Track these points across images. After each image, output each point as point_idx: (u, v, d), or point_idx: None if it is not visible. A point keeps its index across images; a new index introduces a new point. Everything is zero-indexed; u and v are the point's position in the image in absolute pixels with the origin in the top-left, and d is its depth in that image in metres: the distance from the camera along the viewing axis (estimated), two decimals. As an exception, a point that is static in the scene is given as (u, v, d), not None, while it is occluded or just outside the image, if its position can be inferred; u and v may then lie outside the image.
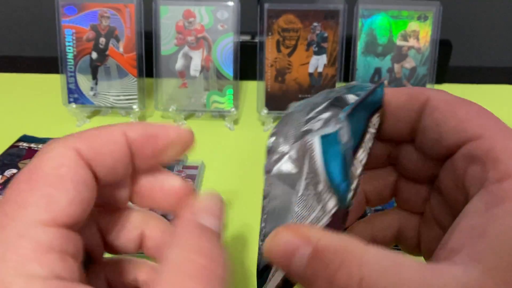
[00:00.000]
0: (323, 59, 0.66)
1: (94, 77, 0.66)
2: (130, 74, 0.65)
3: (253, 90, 0.73)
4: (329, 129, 0.22)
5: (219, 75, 0.66)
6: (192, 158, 0.59)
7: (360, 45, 0.65)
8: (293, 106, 0.26)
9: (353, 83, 0.26)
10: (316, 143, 0.21)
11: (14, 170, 0.55)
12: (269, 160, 0.23)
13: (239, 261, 0.44)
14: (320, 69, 0.66)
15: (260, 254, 0.23)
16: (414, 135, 0.26)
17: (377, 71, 0.65)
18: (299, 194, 0.22)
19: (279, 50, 0.65)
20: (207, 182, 0.56)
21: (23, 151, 0.59)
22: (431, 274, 0.18)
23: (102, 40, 0.65)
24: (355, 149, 0.22)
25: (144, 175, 0.24)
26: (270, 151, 0.23)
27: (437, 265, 0.19)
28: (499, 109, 0.79)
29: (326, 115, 0.23)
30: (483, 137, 0.22)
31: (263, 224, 0.23)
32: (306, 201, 0.21)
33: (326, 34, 0.65)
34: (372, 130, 0.24)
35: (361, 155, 0.22)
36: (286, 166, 0.22)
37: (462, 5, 0.82)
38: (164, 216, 0.26)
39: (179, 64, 0.66)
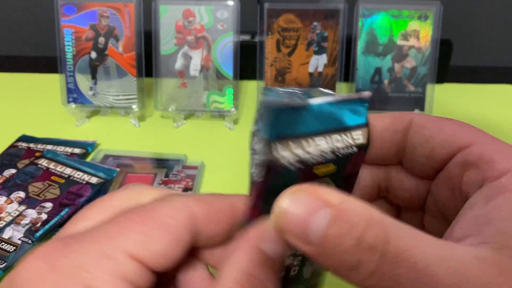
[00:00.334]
0: (323, 59, 0.65)
1: (94, 77, 0.66)
2: (130, 73, 0.65)
3: (253, 90, 0.73)
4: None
5: (219, 75, 0.66)
6: (192, 158, 0.59)
7: (360, 45, 0.65)
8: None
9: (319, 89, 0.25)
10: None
11: (13, 170, 0.54)
12: (254, 124, 0.22)
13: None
14: (320, 69, 0.66)
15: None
16: (401, 156, 0.26)
17: (378, 70, 0.65)
18: None
19: (279, 50, 0.65)
20: (207, 182, 0.56)
21: (22, 151, 0.58)
22: (448, 247, 0.18)
23: (102, 39, 0.65)
24: (315, 133, 0.21)
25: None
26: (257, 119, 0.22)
27: (451, 242, 0.19)
28: (499, 109, 0.79)
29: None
30: (474, 143, 0.23)
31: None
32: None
33: (326, 34, 0.65)
34: (349, 141, 0.22)
35: (321, 142, 0.21)
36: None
37: (462, 4, 0.81)
38: None
39: (179, 63, 0.66)
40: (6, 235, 0.46)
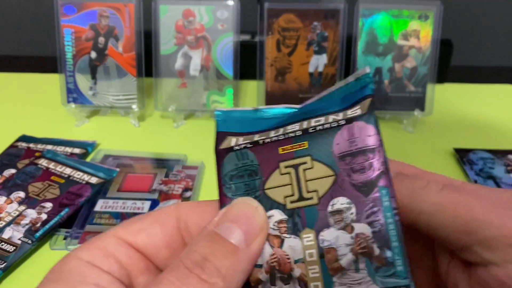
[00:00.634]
0: (323, 59, 0.65)
1: (93, 77, 0.66)
2: (130, 73, 0.65)
3: (253, 89, 0.72)
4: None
5: (219, 75, 0.66)
6: (192, 158, 0.59)
7: (360, 45, 0.65)
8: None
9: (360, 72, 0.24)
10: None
11: (13, 170, 0.54)
12: None
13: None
14: (320, 69, 0.66)
15: None
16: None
17: (378, 70, 0.65)
18: None
19: (279, 50, 0.65)
20: (207, 182, 0.56)
21: (22, 151, 0.58)
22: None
23: (101, 39, 0.65)
24: (287, 123, 0.23)
25: None
26: None
27: None
28: (499, 109, 0.78)
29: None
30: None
31: None
32: None
33: (326, 34, 0.65)
34: (335, 117, 0.22)
35: (294, 127, 0.23)
36: None
37: (463, 4, 0.81)
38: None
39: (179, 63, 0.65)
40: (6, 235, 0.46)
